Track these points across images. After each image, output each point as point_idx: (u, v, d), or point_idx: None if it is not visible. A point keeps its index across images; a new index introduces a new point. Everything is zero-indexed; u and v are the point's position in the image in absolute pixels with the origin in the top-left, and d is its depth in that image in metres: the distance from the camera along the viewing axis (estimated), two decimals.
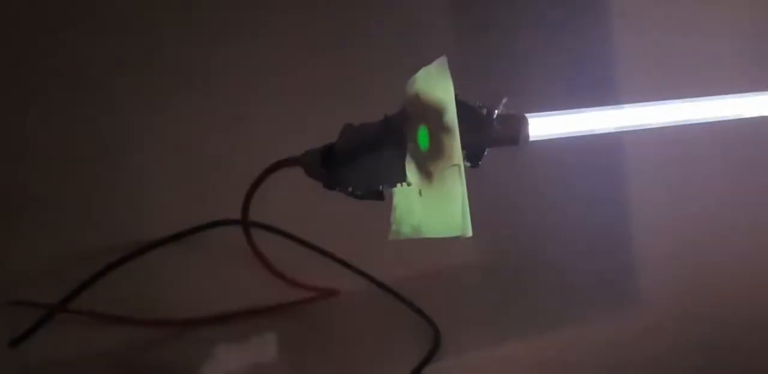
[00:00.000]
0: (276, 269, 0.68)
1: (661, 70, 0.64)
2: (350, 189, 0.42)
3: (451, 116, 0.35)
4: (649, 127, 0.41)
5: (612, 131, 0.40)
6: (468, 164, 0.38)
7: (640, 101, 0.44)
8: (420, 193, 0.38)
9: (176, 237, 0.64)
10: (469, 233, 0.35)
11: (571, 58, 0.66)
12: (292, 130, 0.70)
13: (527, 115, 0.39)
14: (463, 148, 0.36)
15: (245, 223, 0.63)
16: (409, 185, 0.38)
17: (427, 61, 0.66)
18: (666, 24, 0.66)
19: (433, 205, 0.37)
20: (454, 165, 0.35)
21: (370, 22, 0.75)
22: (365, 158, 0.41)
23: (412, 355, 0.59)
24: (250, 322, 0.67)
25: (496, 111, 0.38)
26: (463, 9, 0.79)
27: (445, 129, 0.36)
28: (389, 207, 0.41)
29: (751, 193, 0.70)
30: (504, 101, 0.39)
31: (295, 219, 0.68)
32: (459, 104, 0.36)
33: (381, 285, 0.69)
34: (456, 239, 0.36)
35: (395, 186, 0.40)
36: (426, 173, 0.37)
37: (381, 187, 0.41)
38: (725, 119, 0.43)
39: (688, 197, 0.68)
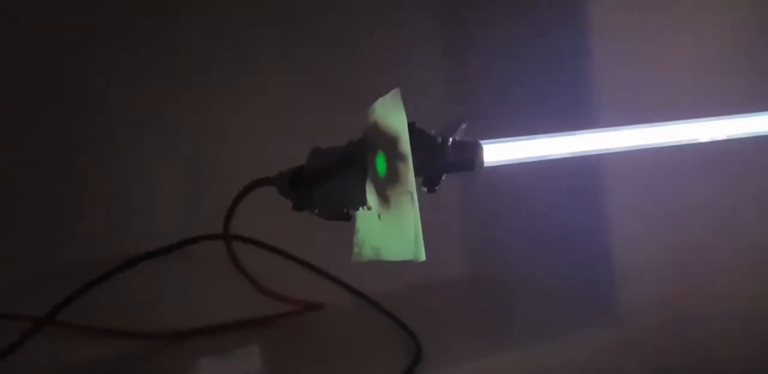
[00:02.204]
0: (260, 283, 0.69)
1: (641, 90, 0.65)
2: (317, 211, 0.43)
3: (404, 144, 0.36)
4: (602, 152, 0.42)
5: (565, 156, 0.41)
6: (424, 190, 0.39)
7: (619, 122, 0.45)
8: (379, 217, 0.39)
9: (162, 251, 0.64)
10: (422, 258, 0.37)
11: (547, 79, 0.67)
12: (278, 146, 0.71)
13: (482, 142, 0.40)
14: (419, 174, 0.38)
15: (227, 238, 0.64)
16: (369, 209, 0.40)
17: (405, 82, 0.68)
18: (647, 41, 0.67)
19: (390, 229, 0.38)
20: (407, 192, 0.37)
21: (355, 46, 0.77)
22: (330, 181, 0.42)
23: (393, 368, 0.59)
24: (236, 335, 0.68)
25: (452, 138, 0.39)
26: (443, 29, 0.80)
27: (400, 157, 0.37)
28: None
29: (732, 208, 0.71)
30: (463, 127, 0.40)
31: (280, 233, 0.68)
32: (415, 131, 0.38)
33: (364, 298, 0.70)
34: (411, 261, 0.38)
35: (357, 210, 0.41)
36: (384, 198, 0.39)
37: (346, 209, 0.42)
38: (684, 142, 0.44)
39: (668, 211, 0.69)
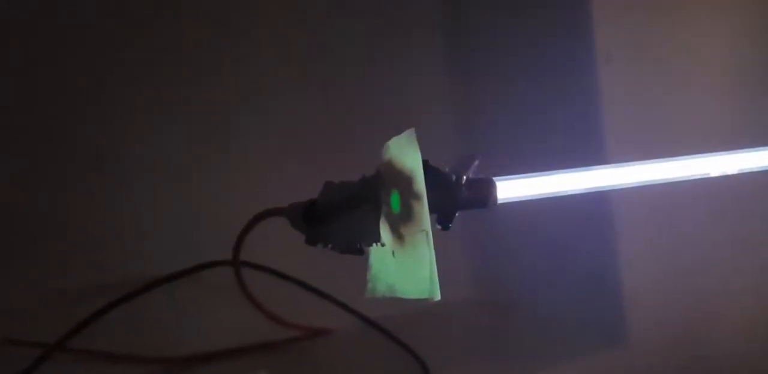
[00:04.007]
0: (268, 309, 0.69)
1: (649, 121, 0.65)
2: (330, 246, 0.43)
3: (419, 184, 0.37)
4: (616, 187, 0.42)
5: (580, 192, 0.41)
6: (438, 227, 0.39)
7: (626, 154, 0.45)
8: (393, 254, 0.39)
9: (172, 277, 0.64)
10: (437, 297, 0.37)
11: (555, 111, 0.67)
12: (290, 175, 0.72)
13: (495, 178, 0.40)
14: (433, 212, 0.38)
15: (236, 266, 0.64)
16: (383, 245, 0.40)
17: (414, 113, 0.68)
18: (655, 69, 0.67)
19: (405, 267, 0.38)
20: (422, 231, 0.37)
21: (365, 75, 0.77)
22: (343, 216, 0.42)
23: None
24: (244, 360, 0.69)
25: (465, 176, 0.39)
26: (451, 61, 0.81)
27: (414, 196, 0.37)
28: None
29: (738, 237, 0.71)
30: (476, 163, 0.40)
31: (288, 259, 0.68)
32: (429, 169, 0.38)
33: (372, 323, 0.70)
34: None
35: (370, 246, 0.41)
36: (398, 236, 0.39)
37: (359, 245, 0.42)
38: (693, 177, 0.44)
39: (676, 239, 0.70)
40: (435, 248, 0.38)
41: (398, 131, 0.39)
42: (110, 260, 0.68)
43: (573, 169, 0.41)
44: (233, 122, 0.73)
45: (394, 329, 0.70)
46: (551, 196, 0.41)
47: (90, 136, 0.69)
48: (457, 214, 0.40)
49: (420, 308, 0.74)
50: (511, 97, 0.74)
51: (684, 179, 0.44)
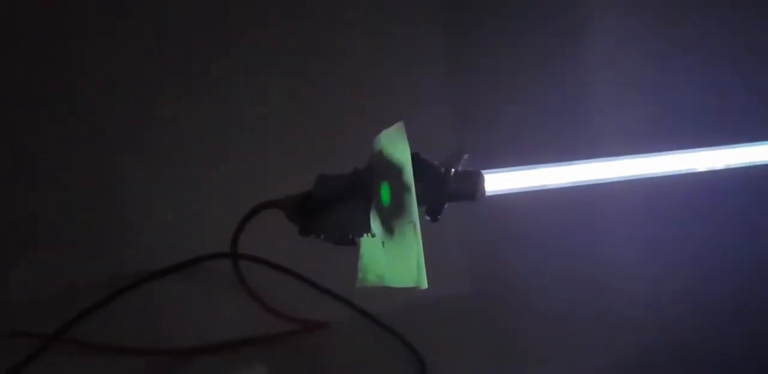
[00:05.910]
0: (265, 302, 0.70)
1: (637, 116, 0.66)
2: (323, 237, 0.44)
3: (408, 176, 0.37)
4: (603, 181, 0.43)
5: (567, 186, 0.42)
6: (428, 218, 0.40)
7: (615, 148, 0.46)
8: (383, 245, 0.40)
9: (172, 270, 0.65)
10: (424, 286, 0.37)
11: (544, 106, 0.67)
12: (290, 166, 0.72)
13: (484, 171, 0.41)
14: (422, 203, 0.39)
15: (234, 257, 0.65)
16: (373, 236, 0.41)
17: (406, 108, 0.68)
18: (645, 66, 0.68)
19: (394, 257, 0.39)
20: (410, 222, 0.37)
21: (361, 70, 0.78)
22: (336, 208, 0.43)
23: None
24: (242, 352, 0.69)
25: (454, 169, 0.40)
26: (447, 56, 0.81)
27: (403, 187, 0.38)
28: None
29: (721, 230, 0.72)
30: (465, 157, 0.41)
31: (286, 252, 0.69)
32: (418, 161, 0.39)
33: (369, 316, 0.71)
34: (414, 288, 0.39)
35: (362, 236, 0.42)
36: (387, 227, 0.39)
37: (351, 236, 0.43)
38: (680, 172, 0.45)
39: (663, 233, 0.70)
40: (433, 243, 0.38)
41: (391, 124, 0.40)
42: (110, 253, 0.69)
43: (561, 163, 0.42)
44: (230, 118, 0.73)
45: (392, 323, 0.70)
46: (539, 189, 0.42)
47: (90, 133, 0.69)
48: (446, 206, 0.40)
49: (417, 302, 0.75)
50: (501, 94, 0.75)
51: (671, 173, 0.44)
